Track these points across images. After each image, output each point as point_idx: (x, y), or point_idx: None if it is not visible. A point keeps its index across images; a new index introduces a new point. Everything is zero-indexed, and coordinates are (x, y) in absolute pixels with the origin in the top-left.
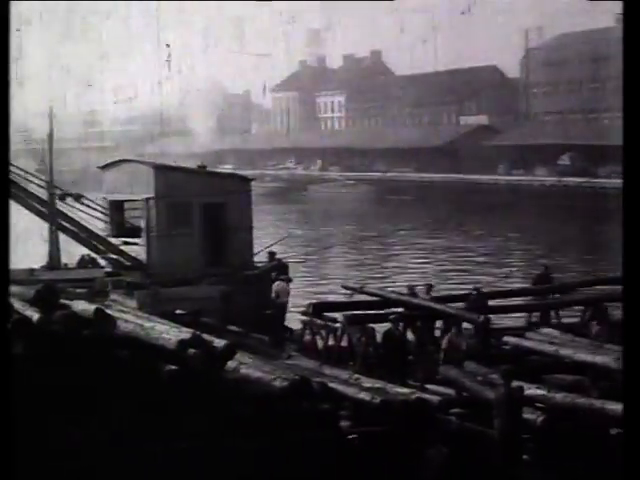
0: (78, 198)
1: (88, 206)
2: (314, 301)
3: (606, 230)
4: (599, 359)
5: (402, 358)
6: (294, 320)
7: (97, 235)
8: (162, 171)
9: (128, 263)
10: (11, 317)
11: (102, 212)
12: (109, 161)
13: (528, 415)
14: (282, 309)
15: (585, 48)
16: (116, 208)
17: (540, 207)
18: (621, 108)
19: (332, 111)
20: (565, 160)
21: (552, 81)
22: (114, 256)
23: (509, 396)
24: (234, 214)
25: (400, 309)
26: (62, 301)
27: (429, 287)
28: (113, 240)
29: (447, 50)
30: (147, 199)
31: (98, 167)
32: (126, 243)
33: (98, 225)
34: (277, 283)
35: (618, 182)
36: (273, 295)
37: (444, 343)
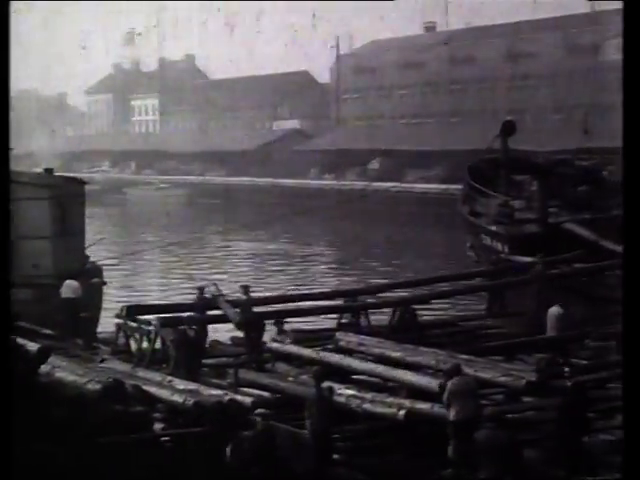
0: None
1: None
2: (127, 304)
3: (413, 233)
4: (409, 360)
5: (196, 360)
6: (109, 323)
7: None
8: None
9: None
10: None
11: None
12: None
13: (386, 410)
14: (96, 312)
15: (394, 55)
16: None
17: (350, 211)
18: (431, 114)
19: (146, 114)
20: (375, 165)
21: (362, 87)
22: None
23: (320, 396)
24: (32, 221)
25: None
26: None
27: (216, 291)
28: None
29: (261, 54)
30: None
31: None
32: None
33: None
34: (66, 282)
35: (425, 187)
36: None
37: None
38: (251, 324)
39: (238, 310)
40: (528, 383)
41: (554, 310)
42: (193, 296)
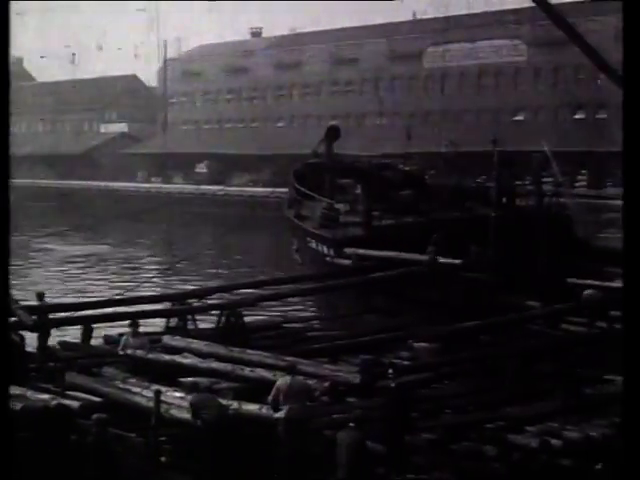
0: None
1: None
2: None
3: (240, 236)
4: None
5: (23, 364)
6: None
7: None
8: None
9: None
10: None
11: None
12: None
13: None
14: None
15: (220, 59)
16: None
17: (177, 214)
18: (257, 118)
19: None
20: (202, 168)
21: (189, 91)
22: None
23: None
24: None
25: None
26: None
27: (40, 295)
28: None
29: (89, 58)
30: None
31: None
32: None
33: None
34: None
35: (252, 190)
36: None
37: None
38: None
39: (34, 317)
40: (351, 385)
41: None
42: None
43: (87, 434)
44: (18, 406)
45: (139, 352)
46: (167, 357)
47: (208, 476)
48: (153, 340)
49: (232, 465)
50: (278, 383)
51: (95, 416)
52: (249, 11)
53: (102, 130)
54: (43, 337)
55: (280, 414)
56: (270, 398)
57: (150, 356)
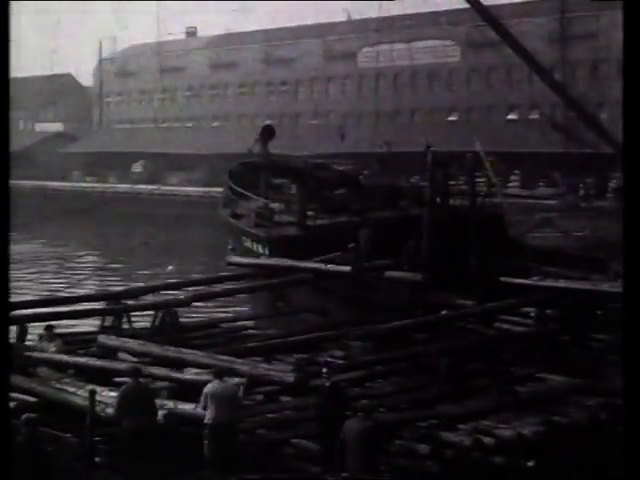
0: None
1: None
2: None
3: (176, 235)
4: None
5: None
6: None
7: None
8: None
9: None
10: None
11: None
12: None
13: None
14: None
15: (155, 59)
16: None
17: (113, 213)
18: (192, 117)
19: None
20: (138, 168)
21: (124, 90)
22: None
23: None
24: None
25: None
26: None
27: None
28: None
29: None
30: None
31: None
32: None
33: None
34: None
35: (188, 189)
36: None
37: None
38: None
39: None
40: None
41: None
42: None
43: (17, 434)
44: None
45: (50, 353)
46: (98, 360)
47: (136, 476)
48: (88, 340)
49: (159, 465)
50: (205, 389)
51: (24, 416)
52: (184, 11)
53: (37, 129)
54: None
55: (207, 420)
56: (200, 404)
57: (64, 357)
